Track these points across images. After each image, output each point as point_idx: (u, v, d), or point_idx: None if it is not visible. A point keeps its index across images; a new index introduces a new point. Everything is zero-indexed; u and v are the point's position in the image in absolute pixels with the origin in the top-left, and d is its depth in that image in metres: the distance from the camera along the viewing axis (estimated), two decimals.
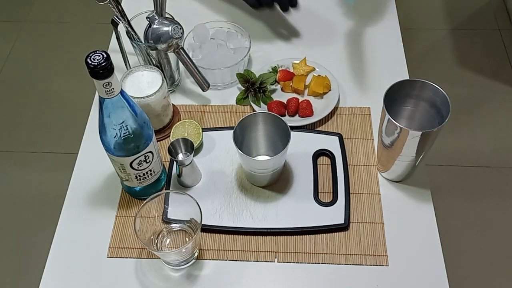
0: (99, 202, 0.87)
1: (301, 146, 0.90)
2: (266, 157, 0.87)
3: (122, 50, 0.95)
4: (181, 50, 0.91)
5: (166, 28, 0.87)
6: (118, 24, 0.90)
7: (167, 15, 0.92)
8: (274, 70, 1.00)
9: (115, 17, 0.89)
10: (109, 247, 0.82)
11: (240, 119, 0.81)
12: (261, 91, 0.96)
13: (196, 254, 0.80)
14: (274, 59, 1.04)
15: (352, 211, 0.84)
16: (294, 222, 0.82)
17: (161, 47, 0.89)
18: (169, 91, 0.99)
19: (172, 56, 0.95)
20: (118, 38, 0.92)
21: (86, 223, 0.85)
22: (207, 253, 0.81)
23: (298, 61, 1.02)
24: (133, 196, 0.87)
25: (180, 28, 0.88)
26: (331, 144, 0.91)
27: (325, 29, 1.11)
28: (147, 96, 0.85)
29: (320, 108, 0.96)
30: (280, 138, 0.82)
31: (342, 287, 0.77)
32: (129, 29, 0.90)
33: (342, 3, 1.15)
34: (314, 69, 1.01)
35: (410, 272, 0.78)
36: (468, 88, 1.94)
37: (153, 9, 0.89)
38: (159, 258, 0.80)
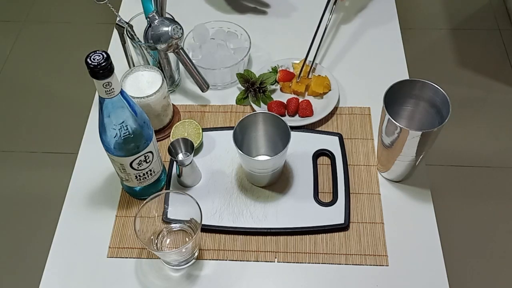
0: (99, 202, 0.87)
1: (301, 146, 0.90)
2: (266, 157, 0.87)
3: (126, 54, 0.94)
4: (181, 50, 0.91)
5: (166, 28, 0.87)
6: (124, 28, 0.89)
7: (167, 15, 0.92)
8: (274, 70, 1.00)
9: (119, 22, 0.89)
10: (109, 247, 0.82)
11: (240, 119, 0.81)
12: (261, 91, 0.96)
13: (196, 254, 0.80)
14: (274, 59, 1.04)
15: (352, 211, 0.84)
16: (294, 222, 0.82)
17: (161, 47, 0.88)
18: (169, 91, 0.99)
19: (172, 56, 0.95)
20: (124, 43, 0.91)
21: (86, 223, 0.85)
22: (207, 253, 0.81)
23: (298, 61, 1.02)
24: (133, 196, 0.87)
25: (180, 28, 0.88)
26: (331, 144, 0.91)
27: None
28: (147, 96, 0.85)
29: (320, 108, 0.96)
30: (280, 138, 0.82)
31: (342, 287, 0.77)
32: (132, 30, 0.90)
33: (342, 4, 1.15)
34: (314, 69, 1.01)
35: (410, 272, 0.78)
36: (468, 88, 1.94)
37: (153, 9, 0.89)
38: (159, 258, 0.80)
